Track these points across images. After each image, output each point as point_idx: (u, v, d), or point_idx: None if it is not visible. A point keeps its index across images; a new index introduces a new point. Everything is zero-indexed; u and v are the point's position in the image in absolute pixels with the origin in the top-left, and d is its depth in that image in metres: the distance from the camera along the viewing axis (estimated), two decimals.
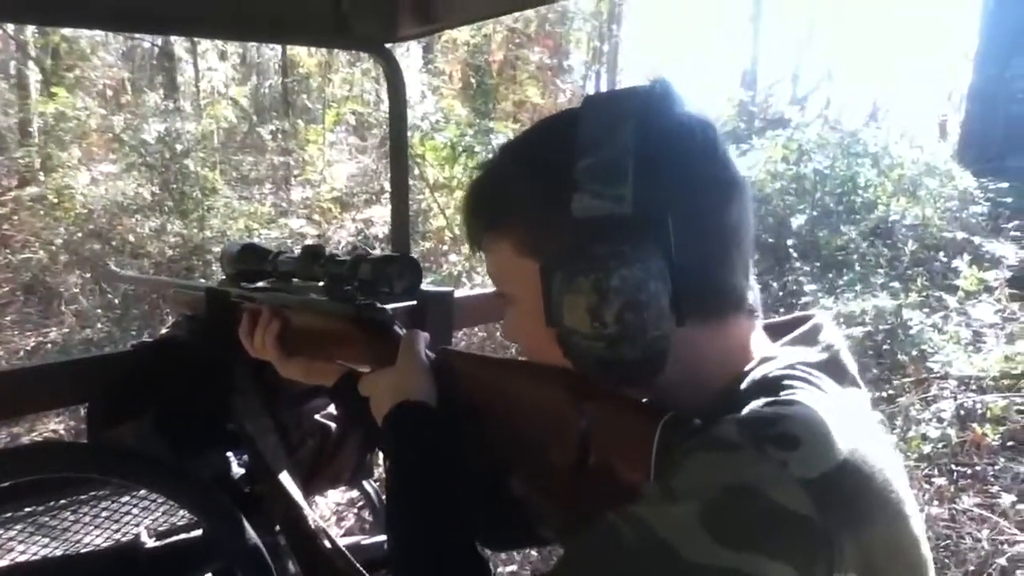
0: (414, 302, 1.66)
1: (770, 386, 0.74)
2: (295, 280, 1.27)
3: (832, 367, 0.79)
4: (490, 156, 0.90)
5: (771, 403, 0.71)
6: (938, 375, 4.28)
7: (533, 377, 0.90)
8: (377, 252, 1.12)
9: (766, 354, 0.81)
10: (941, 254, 6.09)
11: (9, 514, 1.52)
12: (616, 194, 0.73)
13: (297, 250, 1.26)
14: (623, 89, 0.82)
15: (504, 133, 7.79)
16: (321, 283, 1.21)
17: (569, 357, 0.78)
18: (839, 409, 0.71)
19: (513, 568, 3.34)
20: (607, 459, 0.80)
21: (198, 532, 1.57)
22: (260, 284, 1.33)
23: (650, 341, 0.73)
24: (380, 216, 8.42)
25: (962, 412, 4.03)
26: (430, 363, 1.03)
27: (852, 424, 0.70)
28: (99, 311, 7.44)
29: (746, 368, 0.79)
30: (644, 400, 0.84)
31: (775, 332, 0.86)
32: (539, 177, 0.81)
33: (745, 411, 0.71)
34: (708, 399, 0.78)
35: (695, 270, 0.75)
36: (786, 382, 0.74)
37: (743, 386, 0.77)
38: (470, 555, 0.85)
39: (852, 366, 0.83)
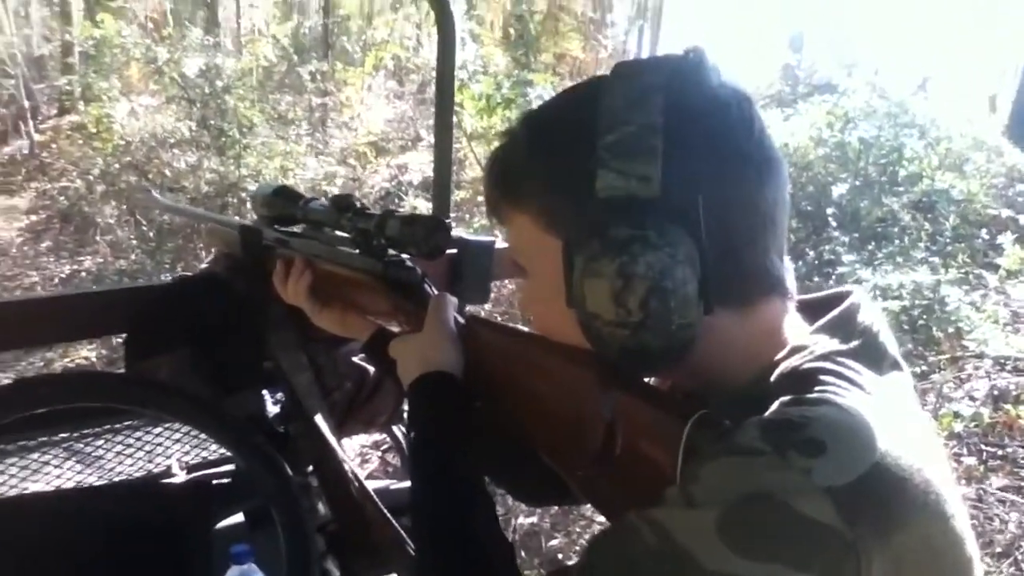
0: (454, 250, 1.64)
1: (801, 380, 0.71)
2: (326, 229, 1.25)
3: (869, 352, 0.75)
4: (513, 125, 0.85)
5: (799, 403, 0.67)
6: (973, 354, 4.22)
7: (562, 356, 0.86)
8: (405, 210, 1.09)
9: (798, 343, 0.77)
10: (984, 231, 5.96)
11: (45, 439, 1.54)
12: (641, 174, 0.69)
13: (326, 199, 1.23)
14: (653, 58, 0.78)
15: (543, 86, 7.69)
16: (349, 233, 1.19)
17: (590, 342, 0.75)
18: (874, 405, 0.68)
19: (533, 519, 3.37)
20: (632, 452, 0.78)
21: (227, 467, 1.59)
22: (293, 229, 1.31)
23: (676, 329, 0.70)
24: (415, 162, 8.39)
25: (996, 392, 3.98)
26: (458, 330, 1.00)
27: (888, 422, 0.67)
28: (133, 242, 7.52)
29: (776, 357, 0.76)
30: (674, 393, 0.83)
31: (810, 311, 0.82)
32: (562, 151, 0.77)
33: (770, 412, 0.67)
34: (737, 389, 0.76)
35: (726, 255, 0.72)
36: (818, 376, 0.70)
37: (773, 378, 0.74)
38: (491, 525, 0.85)
39: (892, 346, 0.79)
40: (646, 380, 0.85)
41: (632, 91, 0.72)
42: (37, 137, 10.72)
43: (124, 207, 8.05)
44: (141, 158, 8.52)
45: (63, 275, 7.53)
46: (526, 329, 1.00)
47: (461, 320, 1.02)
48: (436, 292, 1.08)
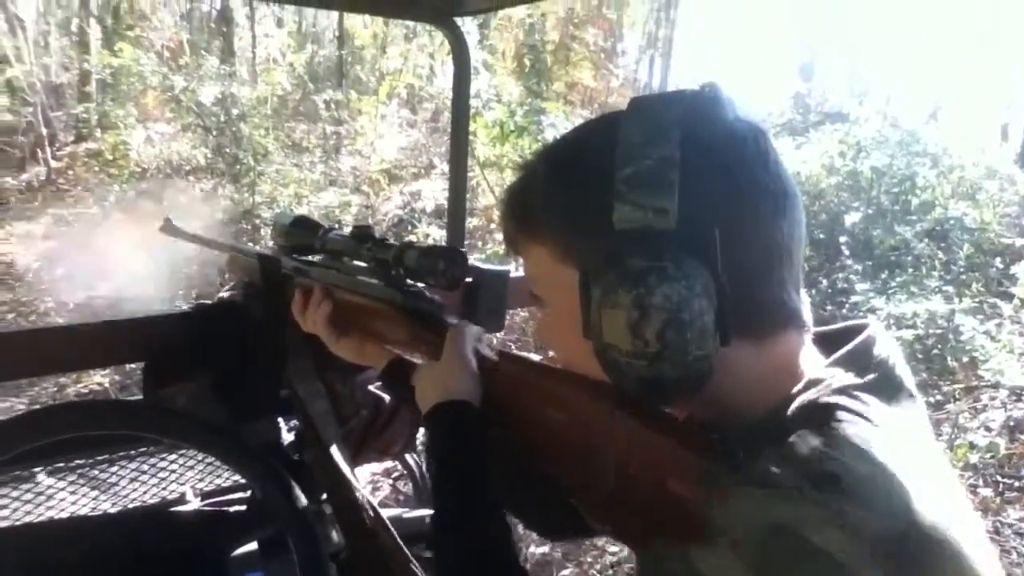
0: (469, 279, 1.65)
1: (817, 415, 0.71)
2: (344, 259, 1.27)
3: (884, 385, 0.75)
4: (530, 158, 0.86)
5: (816, 437, 0.67)
6: (989, 384, 4.19)
7: (577, 386, 0.86)
8: (421, 240, 1.11)
9: (814, 376, 0.76)
10: (998, 260, 5.94)
11: (61, 464, 1.54)
12: (658, 206, 0.70)
13: (347, 229, 1.25)
14: (669, 93, 0.78)
15: (555, 114, 7.73)
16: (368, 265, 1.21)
17: (607, 372, 0.75)
18: (887, 440, 0.68)
19: (545, 549, 3.35)
20: (648, 482, 0.78)
21: (240, 494, 1.60)
22: (312, 259, 1.32)
23: (692, 360, 0.70)
24: (428, 190, 8.44)
25: (1012, 423, 3.95)
26: (477, 360, 1.01)
27: (904, 461, 0.67)
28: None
29: (793, 391, 0.75)
30: (690, 424, 0.82)
31: (825, 344, 0.82)
32: (579, 184, 0.77)
33: (789, 445, 0.67)
34: (752, 422, 0.75)
35: (742, 287, 0.72)
36: (835, 411, 0.70)
37: (789, 411, 0.73)
38: (510, 553, 0.85)
39: (908, 378, 0.79)
40: (662, 410, 0.84)
41: (649, 125, 0.72)
42: (54, 164, 10.83)
43: (139, 234, 8.09)
44: (157, 185, 8.59)
45: (78, 301, 7.56)
46: (542, 359, 1.02)
47: (481, 350, 1.02)
48: (455, 322, 1.08)
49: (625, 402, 0.80)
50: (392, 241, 1.16)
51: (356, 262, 1.23)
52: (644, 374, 0.71)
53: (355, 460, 1.49)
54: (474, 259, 1.79)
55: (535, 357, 1.08)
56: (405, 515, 1.69)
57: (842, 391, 0.73)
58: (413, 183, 8.91)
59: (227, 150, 8.26)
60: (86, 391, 5.45)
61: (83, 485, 1.57)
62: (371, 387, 1.46)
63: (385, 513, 1.72)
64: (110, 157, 9.00)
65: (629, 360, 0.71)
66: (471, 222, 7.42)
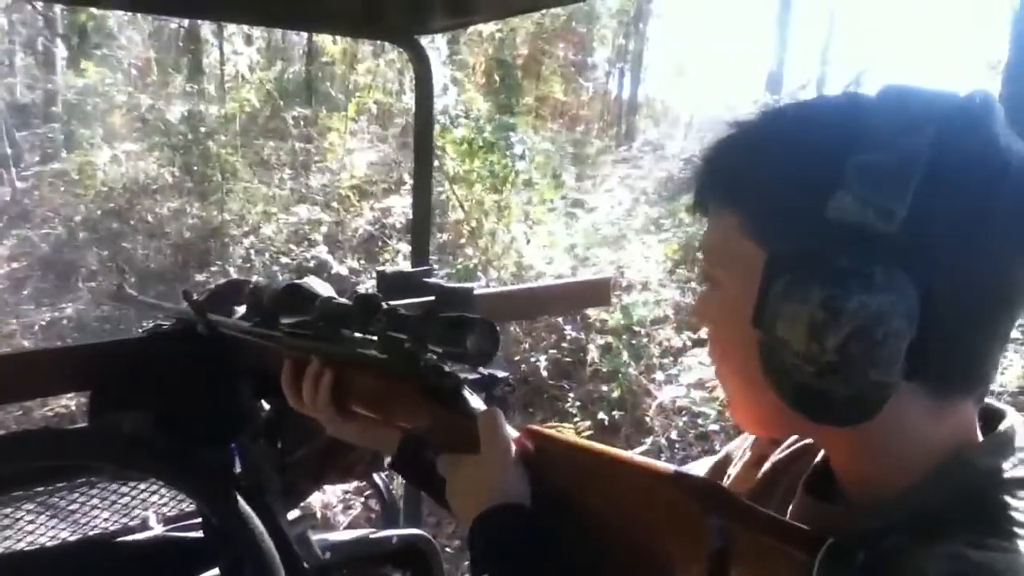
0: (431, 298, 1.65)
1: (978, 504, 0.62)
2: (345, 331, 1.12)
3: None
4: (748, 116, 0.74)
5: (983, 547, 0.58)
6: None
7: (649, 476, 0.74)
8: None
9: (964, 452, 0.67)
10: None
11: (19, 494, 1.52)
12: (885, 207, 0.60)
13: (348, 295, 1.13)
14: (933, 89, 0.66)
15: (524, 129, 7.76)
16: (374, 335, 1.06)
17: (764, 370, 0.66)
18: None
19: None
20: None
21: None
22: (297, 325, 1.19)
23: (869, 384, 0.61)
24: (399, 206, 8.43)
25: None
26: (516, 448, 0.87)
27: None
28: (116, 288, 7.47)
29: (937, 463, 0.66)
30: (793, 524, 0.68)
31: None
32: (802, 157, 0.67)
33: (943, 556, 0.58)
34: (892, 496, 0.67)
35: (950, 326, 0.63)
36: (1006, 511, 0.61)
37: (934, 486, 0.65)
38: None
39: None
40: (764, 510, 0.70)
41: (903, 116, 0.63)
42: (19, 184, 10.70)
43: (106, 253, 8.02)
44: (123, 204, 8.51)
45: (43, 322, 7.47)
46: (593, 443, 0.86)
47: (516, 434, 0.89)
48: (483, 404, 0.94)
49: (721, 493, 0.70)
50: (407, 311, 1.02)
51: (359, 334, 1.09)
52: (810, 383, 0.63)
53: (317, 482, 1.48)
54: (438, 278, 1.79)
55: (586, 440, 0.88)
56: (372, 535, 1.68)
57: (1003, 483, 0.64)
58: (384, 199, 8.89)
59: (195, 168, 8.21)
60: (52, 415, 5.37)
61: (42, 514, 1.55)
62: None
63: (353, 534, 1.71)
64: (76, 177, 8.91)
65: (798, 363, 0.63)
66: (441, 237, 7.42)
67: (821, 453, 0.78)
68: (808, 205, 0.64)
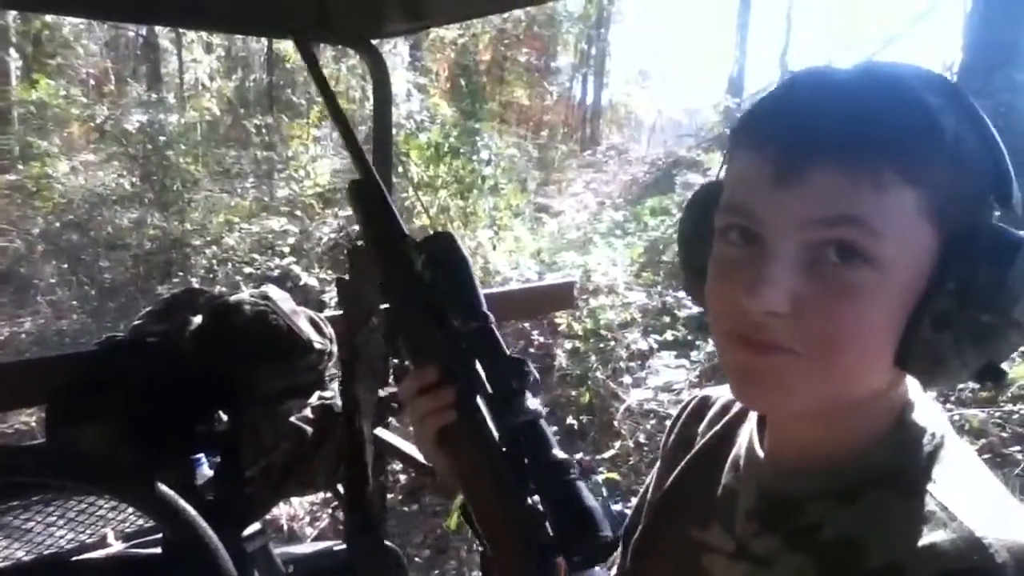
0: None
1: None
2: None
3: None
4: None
5: (977, 549, 0.58)
6: None
7: None
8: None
9: (906, 414, 0.70)
10: None
11: None
12: None
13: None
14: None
15: (489, 134, 7.76)
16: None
17: (909, 351, 0.63)
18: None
19: None
20: None
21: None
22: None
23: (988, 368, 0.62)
24: None
25: None
26: None
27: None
28: (75, 302, 7.36)
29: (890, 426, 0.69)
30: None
31: None
32: (976, 138, 0.62)
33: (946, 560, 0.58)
34: (847, 457, 0.68)
35: None
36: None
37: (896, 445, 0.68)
38: None
39: None
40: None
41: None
42: None
43: (66, 266, 7.89)
44: (83, 216, 8.38)
45: (1, 337, 7.32)
46: None
47: None
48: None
49: None
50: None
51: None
52: (955, 371, 0.63)
53: (279, 494, 1.45)
54: None
55: None
56: (335, 547, 1.66)
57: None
58: (348, 207, 8.83)
59: (155, 178, 8.10)
60: (11, 431, 5.26)
61: None
62: (293, 419, 1.43)
63: (317, 546, 1.69)
64: (33, 189, 8.75)
65: (959, 360, 0.62)
66: None
67: (749, 427, 0.79)
68: (1005, 195, 0.62)
